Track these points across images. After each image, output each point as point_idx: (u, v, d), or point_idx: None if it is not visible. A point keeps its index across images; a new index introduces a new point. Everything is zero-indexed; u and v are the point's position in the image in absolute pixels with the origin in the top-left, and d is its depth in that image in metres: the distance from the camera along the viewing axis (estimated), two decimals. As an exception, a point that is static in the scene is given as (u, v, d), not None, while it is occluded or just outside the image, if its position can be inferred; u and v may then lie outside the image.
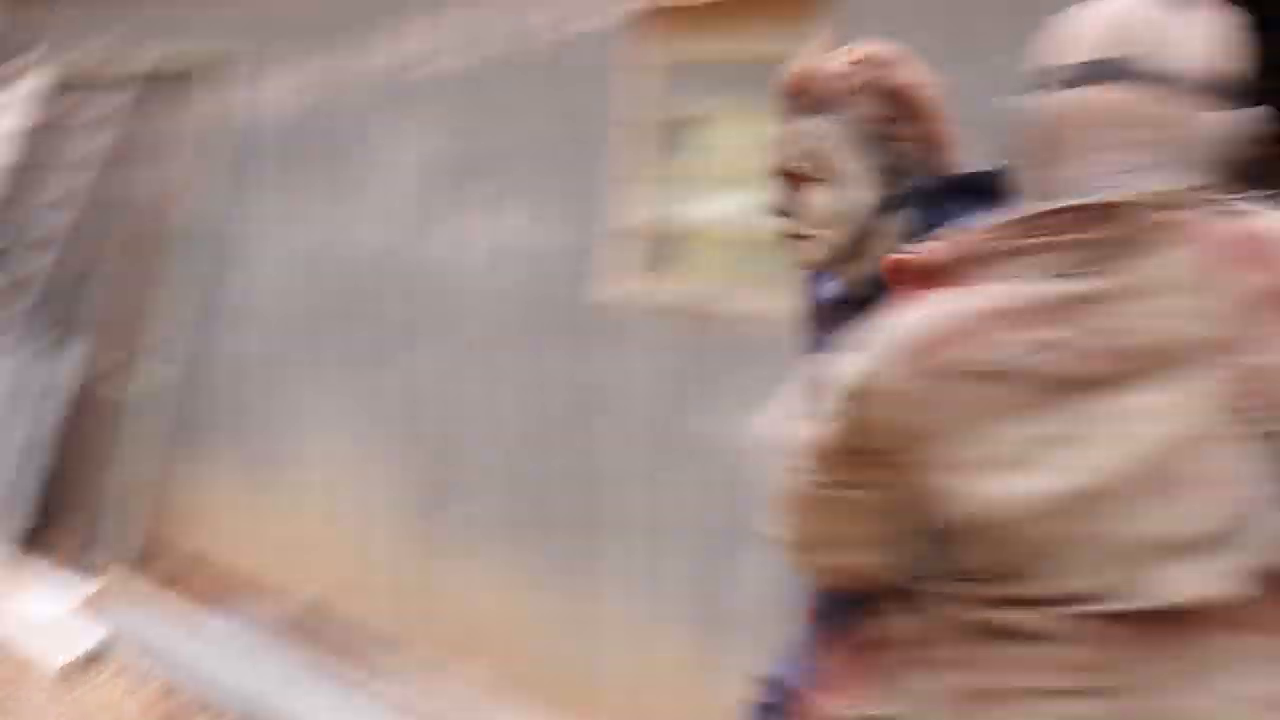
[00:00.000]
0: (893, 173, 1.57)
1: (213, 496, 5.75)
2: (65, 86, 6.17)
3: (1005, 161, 1.37)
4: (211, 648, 4.64)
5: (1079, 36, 1.26)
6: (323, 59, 5.17)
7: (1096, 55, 1.23)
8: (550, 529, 4.31)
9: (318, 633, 4.99)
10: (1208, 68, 1.22)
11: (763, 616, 3.66)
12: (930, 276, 1.28)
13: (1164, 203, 1.18)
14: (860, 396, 1.29)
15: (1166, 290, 1.17)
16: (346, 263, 5.06)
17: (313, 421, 5.24)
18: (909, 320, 1.27)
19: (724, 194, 4.01)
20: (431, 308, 4.70)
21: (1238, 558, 1.15)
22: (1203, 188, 1.20)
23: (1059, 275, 1.21)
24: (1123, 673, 1.18)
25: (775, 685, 1.78)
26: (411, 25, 4.78)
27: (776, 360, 3.59)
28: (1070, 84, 1.24)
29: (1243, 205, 1.20)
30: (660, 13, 3.97)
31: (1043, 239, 1.21)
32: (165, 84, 5.78)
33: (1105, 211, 1.19)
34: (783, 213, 1.64)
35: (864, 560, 1.36)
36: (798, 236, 1.64)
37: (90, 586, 5.13)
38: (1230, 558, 1.15)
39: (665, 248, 4.18)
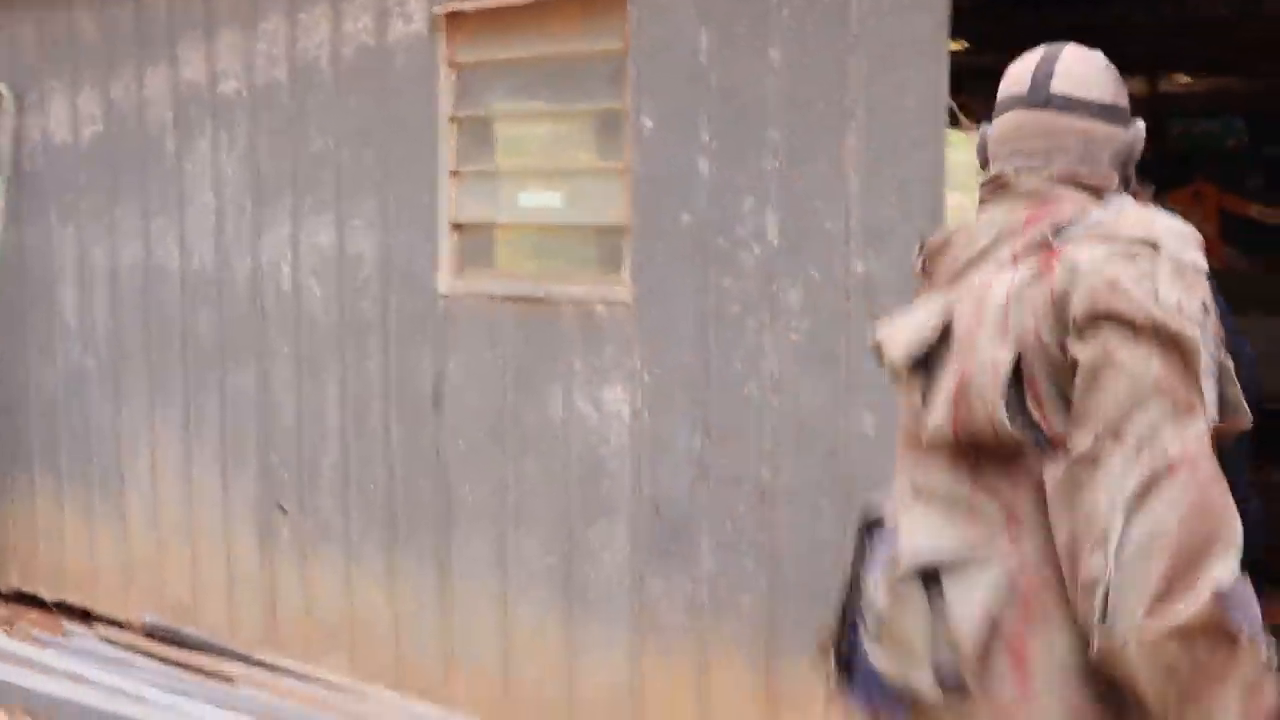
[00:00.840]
0: None
1: (42, 523, 5.60)
2: None
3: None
4: (63, 670, 4.55)
5: (1010, 78, 1.89)
6: (132, 74, 5.05)
7: (1013, 90, 1.87)
8: (402, 523, 4.37)
9: (170, 648, 4.94)
10: (1093, 95, 1.82)
11: (619, 591, 3.82)
12: None
13: (1019, 180, 1.83)
14: None
15: (991, 225, 1.84)
16: (172, 277, 4.98)
17: (145, 437, 5.16)
18: None
19: (539, 188, 4.14)
20: (267, 313, 4.68)
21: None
22: (1069, 176, 1.80)
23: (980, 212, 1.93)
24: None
25: None
26: (221, 38, 4.72)
27: (615, 341, 3.74)
28: (1001, 110, 1.89)
29: (1073, 194, 1.81)
30: (468, 15, 4.05)
31: (982, 194, 1.93)
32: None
33: (990, 181, 1.89)
34: None
35: None
36: None
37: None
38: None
39: (494, 240, 4.27)
